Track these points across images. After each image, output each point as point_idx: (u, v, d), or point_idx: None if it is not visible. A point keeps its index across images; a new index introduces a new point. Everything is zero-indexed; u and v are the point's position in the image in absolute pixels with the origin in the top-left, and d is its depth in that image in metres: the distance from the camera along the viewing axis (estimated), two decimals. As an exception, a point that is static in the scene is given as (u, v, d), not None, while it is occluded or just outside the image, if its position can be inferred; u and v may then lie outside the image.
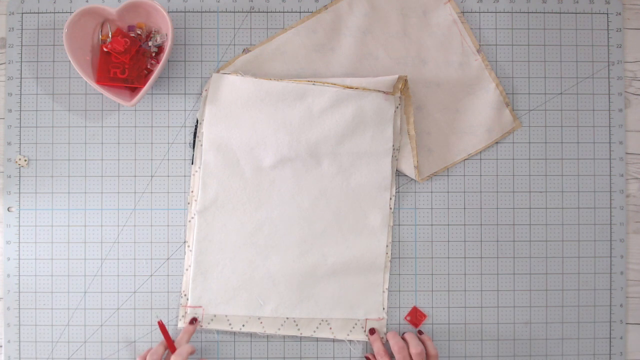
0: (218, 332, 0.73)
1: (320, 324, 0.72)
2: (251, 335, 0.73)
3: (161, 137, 0.74)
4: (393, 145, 0.72)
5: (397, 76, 0.70)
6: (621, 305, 0.74)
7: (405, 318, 0.74)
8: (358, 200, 0.73)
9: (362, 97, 0.70)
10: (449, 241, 0.74)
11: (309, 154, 0.72)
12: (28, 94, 0.73)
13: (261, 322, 0.72)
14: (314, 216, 0.72)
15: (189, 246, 0.73)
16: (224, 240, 0.72)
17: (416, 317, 0.74)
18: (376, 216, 0.73)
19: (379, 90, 0.70)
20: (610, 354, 0.74)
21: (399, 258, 0.74)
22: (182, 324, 0.72)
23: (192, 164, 0.73)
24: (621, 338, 0.74)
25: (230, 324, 0.72)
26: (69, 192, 0.73)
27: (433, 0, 0.74)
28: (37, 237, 0.73)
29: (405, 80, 0.70)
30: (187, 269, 0.73)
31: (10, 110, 0.73)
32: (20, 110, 0.73)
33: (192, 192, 0.73)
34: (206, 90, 0.72)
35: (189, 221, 0.73)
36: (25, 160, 0.73)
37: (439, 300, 0.74)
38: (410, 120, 0.71)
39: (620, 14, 0.75)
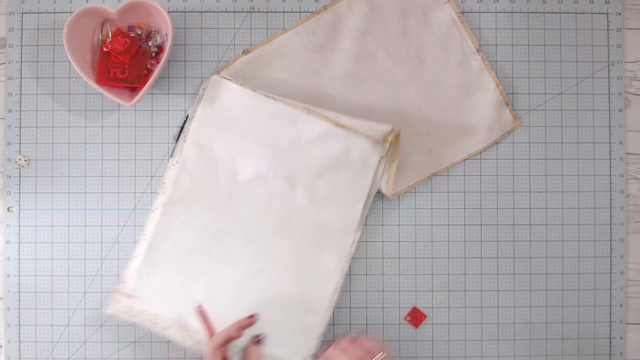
0: (139, 327, 0.72)
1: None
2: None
3: (161, 137, 0.74)
4: (369, 193, 0.71)
5: (390, 127, 0.69)
6: (621, 305, 0.74)
7: (405, 318, 0.74)
8: (320, 237, 0.71)
9: (351, 138, 0.70)
10: (449, 241, 0.74)
11: (286, 178, 0.71)
12: (28, 94, 0.73)
13: (185, 332, 0.70)
14: (273, 240, 0.71)
15: (145, 235, 0.71)
16: (181, 239, 0.71)
17: (416, 317, 0.74)
18: (333, 258, 0.71)
19: (369, 136, 0.70)
20: (610, 354, 0.74)
21: (399, 258, 0.74)
22: (112, 309, 0.70)
23: (171, 156, 0.73)
24: (621, 338, 0.74)
25: (155, 323, 0.70)
26: (69, 192, 0.73)
27: (432, 0, 0.74)
28: (37, 237, 0.73)
29: (398, 134, 0.69)
30: (136, 257, 0.71)
31: (10, 110, 0.73)
32: (20, 110, 0.73)
33: (163, 184, 0.72)
34: (203, 89, 0.72)
35: (152, 211, 0.72)
36: (25, 160, 0.73)
37: (439, 300, 0.74)
38: (393, 168, 0.70)
39: (620, 14, 0.75)
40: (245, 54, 0.73)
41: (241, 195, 0.71)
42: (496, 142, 0.74)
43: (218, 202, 0.71)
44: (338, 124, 0.70)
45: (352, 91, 0.73)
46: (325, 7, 0.74)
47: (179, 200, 0.71)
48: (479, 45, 0.74)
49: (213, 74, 0.72)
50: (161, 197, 0.72)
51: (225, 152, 0.71)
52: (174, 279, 0.71)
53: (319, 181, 0.71)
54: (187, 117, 0.73)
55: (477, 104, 0.73)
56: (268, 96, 0.70)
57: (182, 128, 0.72)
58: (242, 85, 0.71)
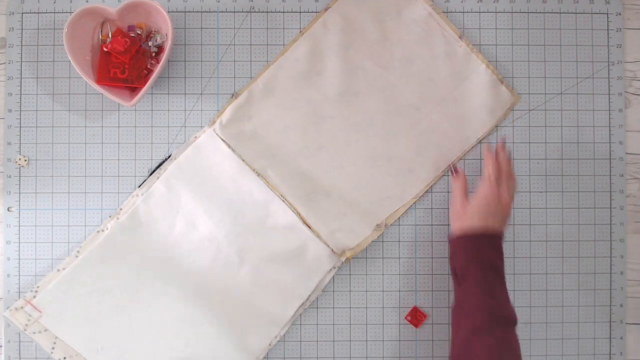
0: (38, 346, 0.70)
1: None
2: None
3: (161, 137, 0.74)
4: (309, 296, 0.72)
5: (354, 244, 0.71)
6: (621, 305, 0.74)
7: (406, 318, 0.74)
8: (248, 318, 0.71)
9: (311, 240, 0.70)
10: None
11: (237, 252, 0.71)
12: (28, 94, 0.73)
13: None
14: (204, 304, 0.70)
15: (78, 251, 0.71)
16: (115, 270, 0.70)
17: (416, 317, 0.74)
18: (254, 342, 0.71)
19: (328, 245, 0.70)
20: (610, 354, 0.74)
21: (399, 258, 0.74)
22: (11, 315, 0.68)
23: (139, 186, 0.72)
24: (621, 338, 0.74)
25: (53, 349, 0.68)
26: (69, 192, 0.73)
27: (405, 1, 0.73)
28: (37, 237, 0.73)
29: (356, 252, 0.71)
30: (58, 270, 0.70)
31: (10, 110, 0.73)
32: (20, 110, 0.73)
33: (120, 209, 0.72)
34: (195, 137, 0.72)
35: (98, 231, 0.71)
36: (25, 160, 0.73)
37: (439, 300, 0.74)
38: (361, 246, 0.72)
39: (620, 14, 0.75)
40: (235, 98, 0.73)
41: (190, 249, 0.71)
42: (501, 121, 0.74)
43: (165, 247, 0.71)
44: (304, 222, 0.70)
45: (348, 107, 0.73)
46: (301, 32, 0.73)
47: (128, 231, 0.71)
48: (460, 31, 0.73)
49: (208, 125, 0.72)
50: (112, 222, 0.71)
51: (191, 204, 0.71)
52: (91, 309, 0.69)
53: (267, 267, 0.71)
54: (170, 155, 0.72)
55: (472, 89, 0.73)
56: (253, 170, 0.71)
57: (160, 164, 0.72)
58: (232, 150, 0.71)
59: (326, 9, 0.73)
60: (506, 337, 0.59)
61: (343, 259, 0.71)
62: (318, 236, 0.71)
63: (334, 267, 0.72)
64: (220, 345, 0.70)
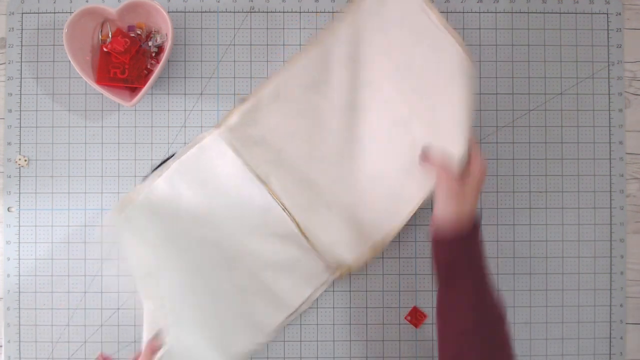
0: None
1: None
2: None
3: (161, 137, 0.74)
4: (299, 307, 0.72)
5: (351, 258, 0.70)
6: (621, 305, 0.74)
7: (405, 318, 0.74)
8: (235, 322, 0.70)
9: (307, 250, 0.71)
10: (449, 241, 0.74)
11: (233, 256, 0.71)
12: (28, 94, 0.73)
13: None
14: (192, 304, 0.69)
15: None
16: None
17: (416, 317, 0.74)
18: (235, 348, 0.70)
19: (324, 258, 0.71)
20: (610, 354, 0.74)
21: (399, 258, 0.74)
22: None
23: (142, 181, 0.71)
24: (621, 338, 0.74)
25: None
26: (69, 192, 0.73)
27: (410, 9, 0.69)
28: (37, 237, 0.73)
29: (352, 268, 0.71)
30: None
31: (10, 110, 0.73)
32: (20, 110, 0.73)
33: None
34: (201, 137, 0.71)
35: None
36: (25, 160, 0.73)
37: (439, 300, 0.74)
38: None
39: (620, 14, 0.75)
40: (243, 102, 0.72)
41: (186, 248, 0.70)
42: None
43: (165, 240, 0.70)
44: (302, 233, 0.70)
45: (353, 120, 0.71)
46: (311, 43, 0.71)
47: (127, 222, 0.69)
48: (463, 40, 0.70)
49: (214, 127, 0.71)
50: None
51: (192, 204, 0.71)
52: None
53: (260, 274, 0.71)
54: (174, 154, 0.72)
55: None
56: (256, 176, 0.70)
57: (164, 161, 0.72)
58: (237, 155, 0.70)
59: (336, 20, 0.72)
60: (497, 336, 0.58)
61: (337, 274, 0.71)
62: (314, 248, 0.71)
63: (326, 282, 0.72)
64: (202, 344, 0.69)
